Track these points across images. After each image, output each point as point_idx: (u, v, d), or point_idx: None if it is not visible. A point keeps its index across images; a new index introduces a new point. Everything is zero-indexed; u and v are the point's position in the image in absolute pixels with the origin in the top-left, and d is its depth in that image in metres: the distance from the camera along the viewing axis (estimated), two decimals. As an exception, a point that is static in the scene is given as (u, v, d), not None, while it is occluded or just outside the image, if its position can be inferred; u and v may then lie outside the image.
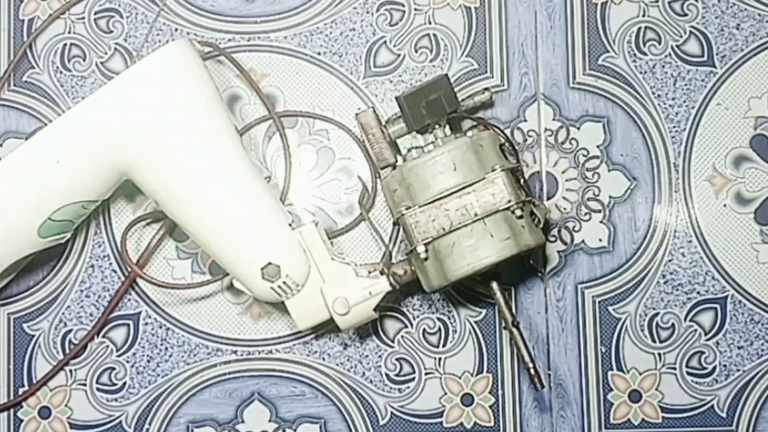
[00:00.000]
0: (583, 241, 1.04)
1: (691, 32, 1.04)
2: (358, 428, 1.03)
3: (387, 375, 1.03)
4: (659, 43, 1.04)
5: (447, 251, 0.93)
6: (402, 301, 1.03)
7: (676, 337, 1.03)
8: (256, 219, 0.95)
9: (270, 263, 0.94)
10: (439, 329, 1.03)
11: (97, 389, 1.03)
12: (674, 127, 1.04)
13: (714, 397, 1.03)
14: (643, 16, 1.04)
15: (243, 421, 1.03)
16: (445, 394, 1.03)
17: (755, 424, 1.02)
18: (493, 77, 1.04)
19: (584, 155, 1.04)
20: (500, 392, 1.03)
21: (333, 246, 1.01)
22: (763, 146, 1.04)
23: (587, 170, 1.04)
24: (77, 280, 1.04)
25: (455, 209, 0.93)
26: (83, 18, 1.05)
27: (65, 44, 1.05)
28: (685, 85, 1.04)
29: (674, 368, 1.03)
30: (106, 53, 1.05)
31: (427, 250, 0.94)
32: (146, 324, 1.04)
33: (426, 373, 1.03)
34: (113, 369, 1.04)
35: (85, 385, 1.03)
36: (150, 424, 1.03)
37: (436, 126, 0.98)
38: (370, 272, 0.97)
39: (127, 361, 1.04)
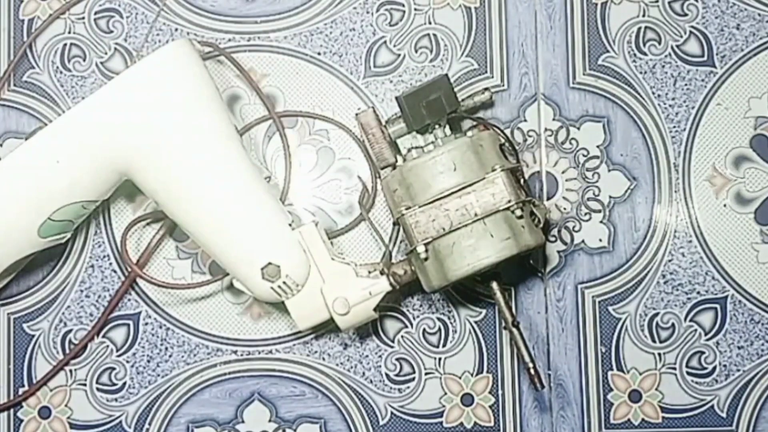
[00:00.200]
0: (583, 241, 1.04)
1: (691, 32, 1.05)
2: (358, 428, 1.03)
3: (387, 375, 1.03)
4: (659, 43, 1.04)
5: (447, 251, 0.93)
6: (402, 301, 1.03)
7: (676, 337, 1.03)
8: (256, 219, 0.95)
9: (270, 263, 0.94)
10: (439, 329, 1.03)
11: (97, 389, 1.03)
12: (674, 127, 1.04)
13: (714, 397, 1.03)
14: (643, 16, 1.04)
15: (243, 421, 1.03)
16: (445, 394, 1.03)
17: (755, 424, 1.02)
18: (493, 77, 1.04)
19: (584, 155, 1.04)
20: (500, 392, 1.03)
21: (333, 246, 1.01)
22: (763, 146, 1.04)
23: (587, 170, 1.04)
24: (77, 280, 1.04)
25: (455, 209, 0.93)
26: (83, 18, 1.05)
27: (65, 44, 1.05)
28: (685, 85, 1.04)
29: (674, 368, 1.03)
30: (106, 53, 1.05)
31: (427, 250, 0.94)
32: (146, 324, 1.04)
33: (426, 373, 1.03)
34: (113, 369, 1.04)
35: (85, 385, 1.03)
36: (150, 424, 1.03)
37: (436, 126, 0.98)
38: (370, 272, 0.97)
39: (127, 361, 1.04)
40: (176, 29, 1.05)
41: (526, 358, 0.95)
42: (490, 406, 1.03)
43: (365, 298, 0.96)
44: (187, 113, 0.92)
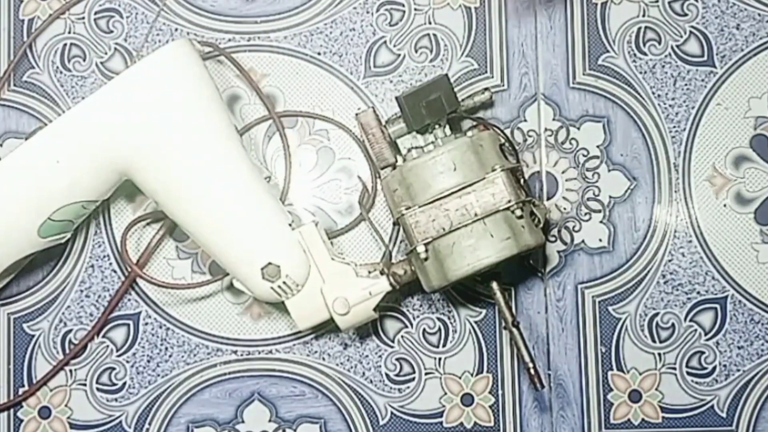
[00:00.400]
0: (583, 241, 1.04)
1: (691, 32, 1.05)
2: (358, 428, 1.03)
3: (387, 375, 1.03)
4: (659, 43, 1.04)
5: (447, 251, 0.93)
6: (402, 301, 1.03)
7: (676, 337, 1.03)
8: (256, 219, 0.95)
9: (270, 263, 0.94)
10: (439, 329, 1.03)
11: (97, 389, 1.03)
12: (674, 127, 1.04)
13: (714, 397, 1.03)
14: (643, 16, 1.04)
15: (243, 421, 1.03)
16: (445, 394, 1.03)
17: (755, 424, 1.02)
18: (493, 77, 1.04)
19: (584, 155, 1.04)
20: (500, 392, 1.03)
21: (333, 246, 1.01)
22: (763, 146, 1.04)
23: (587, 170, 1.04)
24: (77, 280, 1.04)
25: (455, 209, 0.93)
26: (83, 18, 1.05)
27: (65, 44, 1.05)
28: (685, 85, 1.04)
29: (674, 368, 1.03)
30: (106, 53, 1.05)
31: (427, 250, 0.94)
32: (146, 324, 1.04)
33: (426, 373, 1.03)
34: (113, 369, 1.04)
35: (85, 385, 1.03)
36: (150, 424, 1.03)
37: (436, 126, 0.98)
38: (370, 272, 0.97)
39: (127, 361, 1.04)
40: (176, 29, 1.05)
41: (526, 358, 0.95)
42: (490, 406, 1.03)
43: (365, 298, 0.96)
44: (187, 113, 0.92)
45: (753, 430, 1.02)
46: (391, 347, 1.03)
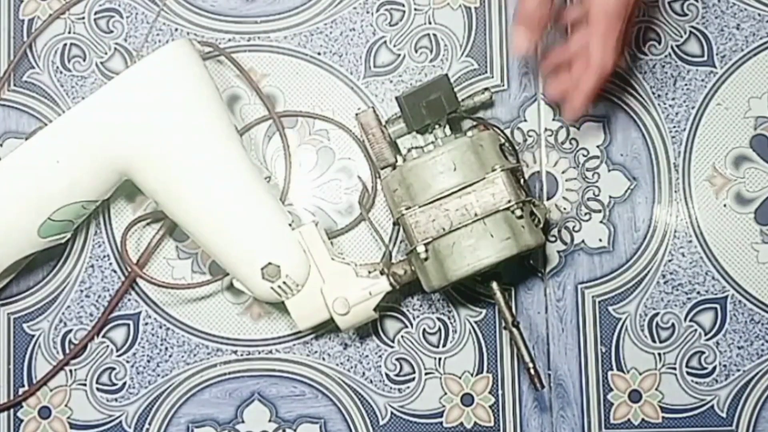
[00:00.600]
0: (583, 241, 1.04)
1: (691, 32, 1.05)
2: (358, 428, 1.03)
3: (387, 375, 1.03)
4: (659, 43, 1.04)
5: (447, 251, 0.93)
6: (402, 301, 1.03)
7: (676, 337, 1.03)
8: (256, 219, 0.95)
9: (270, 263, 0.94)
10: (439, 329, 1.03)
11: (97, 389, 1.03)
12: (674, 127, 1.04)
13: (714, 397, 1.03)
14: (643, 16, 1.04)
15: (243, 421, 1.03)
16: (445, 394, 1.03)
17: (755, 424, 1.02)
18: (493, 77, 1.04)
19: (584, 155, 1.04)
20: (500, 392, 1.03)
21: (333, 246, 1.01)
22: (763, 146, 1.04)
23: (587, 170, 1.04)
24: (77, 280, 1.04)
25: (455, 209, 0.93)
26: (83, 18, 1.05)
27: (65, 44, 1.05)
28: (685, 85, 1.04)
29: (674, 368, 1.03)
30: (106, 53, 1.05)
31: (427, 250, 0.94)
32: (146, 324, 1.04)
33: (426, 373, 1.03)
34: (113, 369, 1.04)
35: (85, 385, 1.03)
36: (150, 424, 1.03)
37: (436, 126, 0.98)
38: (370, 272, 0.97)
39: (127, 361, 1.04)
40: (176, 29, 1.05)
41: (526, 358, 0.95)
42: (490, 406, 1.03)
43: (365, 298, 0.96)
44: (187, 113, 0.92)
45: (753, 430, 1.02)
46: (391, 347, 1.03)
